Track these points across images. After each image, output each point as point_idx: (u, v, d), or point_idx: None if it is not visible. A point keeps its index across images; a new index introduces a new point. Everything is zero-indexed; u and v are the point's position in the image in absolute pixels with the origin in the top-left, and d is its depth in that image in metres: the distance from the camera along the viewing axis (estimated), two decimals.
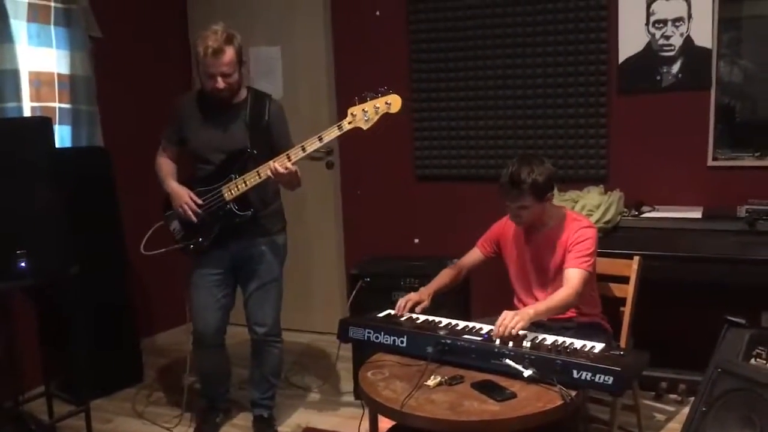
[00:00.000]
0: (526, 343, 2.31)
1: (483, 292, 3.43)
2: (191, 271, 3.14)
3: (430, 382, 2.20)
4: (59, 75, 3.85)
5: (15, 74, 3.57)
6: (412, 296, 2.77)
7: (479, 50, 3.97)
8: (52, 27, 3.78)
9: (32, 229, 2.92)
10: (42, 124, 3.12)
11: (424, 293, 2.79)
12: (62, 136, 3.87)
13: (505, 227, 2.89)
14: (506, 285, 2.93)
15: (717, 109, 3.52)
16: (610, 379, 2.05)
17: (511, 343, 2.30)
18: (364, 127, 2.79)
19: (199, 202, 2.96)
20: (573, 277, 2.61)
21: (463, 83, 4.04)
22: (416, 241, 4.28)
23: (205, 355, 3.27)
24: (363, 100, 2.76)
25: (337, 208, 4.55)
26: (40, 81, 3.79)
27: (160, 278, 4.08)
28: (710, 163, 3.57)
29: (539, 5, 3.79)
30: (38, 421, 3.16)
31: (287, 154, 2.83)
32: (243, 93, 3.01)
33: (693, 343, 2.88)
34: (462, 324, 2.56)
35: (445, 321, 2.61)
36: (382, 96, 2.75)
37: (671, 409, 3.32)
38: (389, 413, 2.13)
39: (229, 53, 2.82)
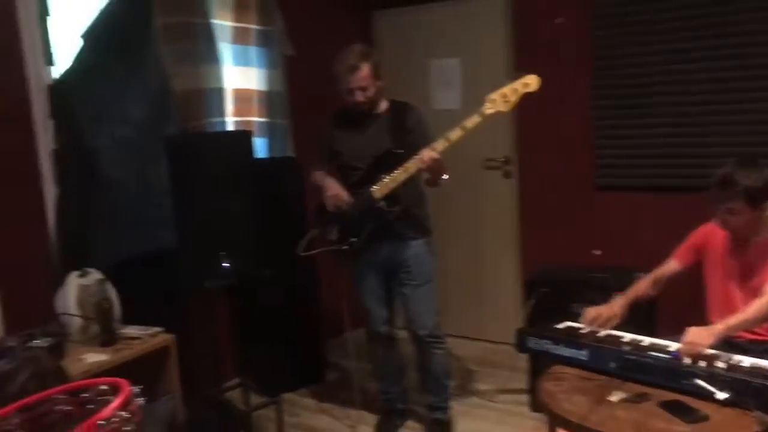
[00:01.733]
0: (720, 364, 2.17)
1: (671, 308, 3.25)
2: (352, 277, 3.35)
3: (614, 398, 2.13)
4: (257, 91, 4.19)
5: (220, 92, 3.94)
6: (602, 310, 2.65)
7: (669, 54, 3.77)
8: (252, 47, 4.13)
9: (233, 232, 3.21)
10: (243, 137, 3.42)
11: (616, 307, 2.66)
12: (259, 148, 4.19)
13: (709, 235, 2.70)
14: (698, 300, 2.75)
15: None
16: None
17: (703, 363, 2.18)
18: (505, 110, 2.91)
19: (348, 197, 3.15)
20: None
21: (650, 89, 3.85)
22: (597, 252, 4.14)
23: (379, 349, 3.44)
24: (499, 88, 2.91)
25: (514, 217, 4.52)
26: (240, 97, 4.14)
27: (344, 281, 4.28)
28: None
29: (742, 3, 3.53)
30: (236, 408, 3.43)
31: (432, 146, 2.96)
32: (384, 105, 3.21)
33: None
34: (647, 340, 2.46)
35: (628, 336, 2.51)
36: (519, 79, 2.88)
37: None
38: (570, 426, 2.09)
39: (365, 69, 3.04)
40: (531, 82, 2.86)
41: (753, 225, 2.52)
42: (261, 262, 3.35)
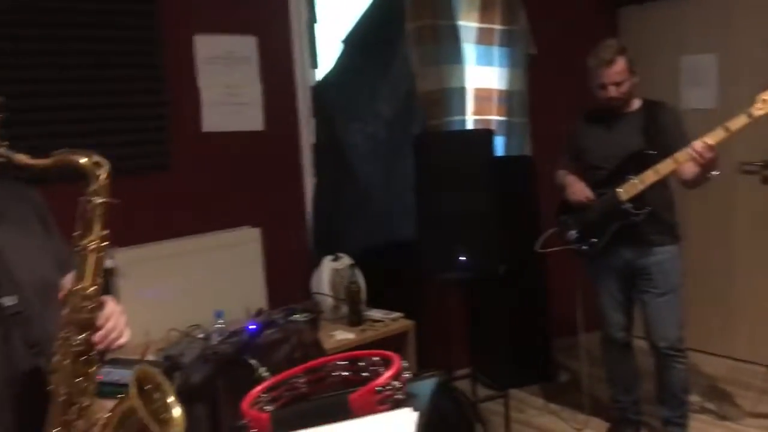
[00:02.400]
0: None
1: None
2: (591, 274, 3.27)
3: None
4: (497, 91, 4.27)
5: (462, 91, 4.08)
6: None
7: None
8: (495, 47, 4.21)
9: (471, 228, 3.30)
10: (485, 136, 3.52)
11: None
12: (497, 146, 4.27)
13: None
14: None
15: None
16: None
17: None
18: None
19: (591, 195, 3.08)
20: None
21: None
22: None
23: (614, 356, 3.34)
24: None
25: None
26: (481, 96, 4.24)
27: (577, 282, 4.21)
28: None
29: None
30: (468, 398, 3.54)
31: (702, 139, 2.77)
32: (636, 103, 3.10)
33: None
34: None
35: None
36: None
37: None
38: None
39: (620, 63, 2.95)
40: None
41: None
42: (496, 258, 3.41)
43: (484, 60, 4.20)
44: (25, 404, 1.34)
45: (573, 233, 3.20)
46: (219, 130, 3.30)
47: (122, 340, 1.42)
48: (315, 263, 3.41)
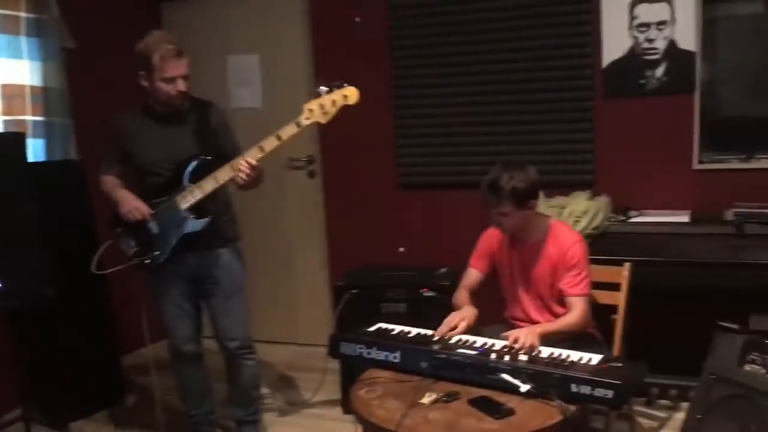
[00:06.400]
0: (523, 357, 2.26)
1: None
2: (153, 286, 3.05)
3: (426, 400, 2.13)
4: (32, 87, 3.74)
5: None
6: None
7: (462, 56, 3.91)
8: (22, 38, 3.68)
9: (7, 249, 2.82)
10: (14, 138, 3.03)
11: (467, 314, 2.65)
12: (36, 150, 3.75)
13: (491, 238, 2.84)
14: (498, 294, 2.89)
15: (701, 112, 3.50)
16: (610, 393, 2.01)
17: (507, 357, 2.25)
18: (323, 121, 2.75)
19: (148, 210, 2.87)
20: (577, 303, 2.63)
21: (446, 89, 3.97)
22: (401, 250, 4.22)
23: (183, 368, 3.19)
24: (317, 96, 2.73)
25: (320, 218, 4.47)
26: (10, 94, 3.68)
27: (142, 292, 3.97)
28: (696, 166, 3.55)
29: (523, 10, 3.74)
30: None
31: (245, 158, 2.76)
32: (186, 103, 2.93)
33: (683, 348, 2.85)
34: (455, 338, 2.50)
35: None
36: (337, 89, 2.72)
37: (663, 415, 3.29)
38: None
39: (186, 57, 2.80)
40: (350, 94, 2.71)
41: (525, 224, 2.68)
42: (43, 280, 2.97)
43: (11, 52, 3.65)
44: None
45: (132, 246, 2.93)
46: None
47: None
48: None
